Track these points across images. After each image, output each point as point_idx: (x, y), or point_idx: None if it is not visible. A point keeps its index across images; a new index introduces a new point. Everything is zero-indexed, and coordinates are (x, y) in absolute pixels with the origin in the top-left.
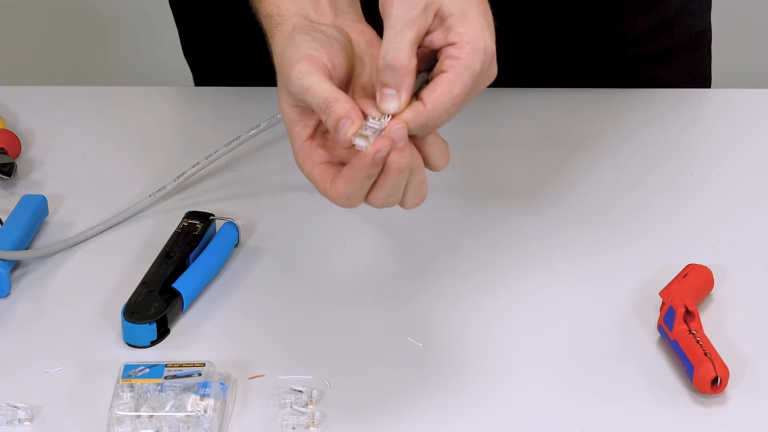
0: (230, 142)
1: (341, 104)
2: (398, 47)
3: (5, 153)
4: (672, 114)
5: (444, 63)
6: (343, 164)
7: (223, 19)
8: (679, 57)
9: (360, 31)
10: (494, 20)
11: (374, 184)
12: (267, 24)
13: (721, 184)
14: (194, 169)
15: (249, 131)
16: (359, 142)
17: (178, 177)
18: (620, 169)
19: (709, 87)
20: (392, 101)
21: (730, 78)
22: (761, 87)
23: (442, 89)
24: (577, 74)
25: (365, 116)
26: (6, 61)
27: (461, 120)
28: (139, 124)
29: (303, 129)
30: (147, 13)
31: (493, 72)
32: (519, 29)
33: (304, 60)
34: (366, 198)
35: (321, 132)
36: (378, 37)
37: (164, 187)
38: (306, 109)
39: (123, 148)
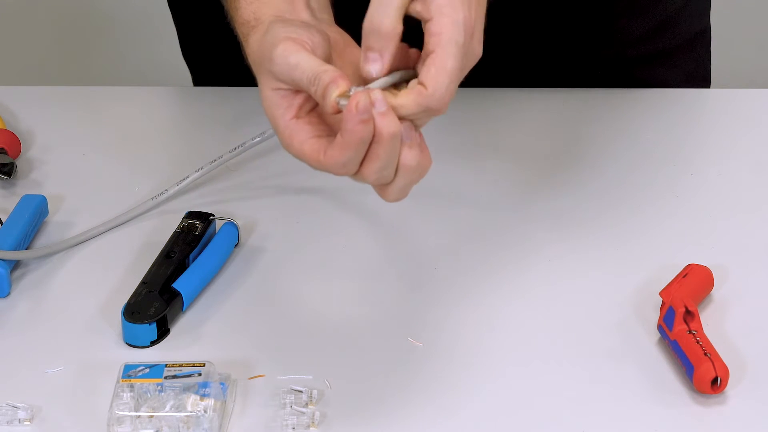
0: (235, 149)
1: (329, 73)
2: (384, 12)
3: (5, 153)
4: (672, 114)
5: (429, 42)
6: (332, 137)
7: (221, 20)
8: (678, 57)
9: (337, 32)
10: (493, 19)
11: (368, 155)
12: (243, 30)
13: (721, 184)
14: (198, 173)
15: (254, 138)
16: (343, 102)
17: (181, 181)
18: (620, 169)
19: (709, 87)
20: (375, 63)
21: (729, 78)
22: (761, 87)
23: (437, 68)
24: (577, 74)
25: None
26: (6, 61)
27: (461, 119)
28: (139, 124)
29: (286, 110)
30: (147, 13)
31: (476, 48)
32: (519, 29)
33: (286, 40)
34: (361, 172)
35: (305, 111)
36: (354, 41)
37: (167, 191)
38: (288, 92)
39: (123, 148)
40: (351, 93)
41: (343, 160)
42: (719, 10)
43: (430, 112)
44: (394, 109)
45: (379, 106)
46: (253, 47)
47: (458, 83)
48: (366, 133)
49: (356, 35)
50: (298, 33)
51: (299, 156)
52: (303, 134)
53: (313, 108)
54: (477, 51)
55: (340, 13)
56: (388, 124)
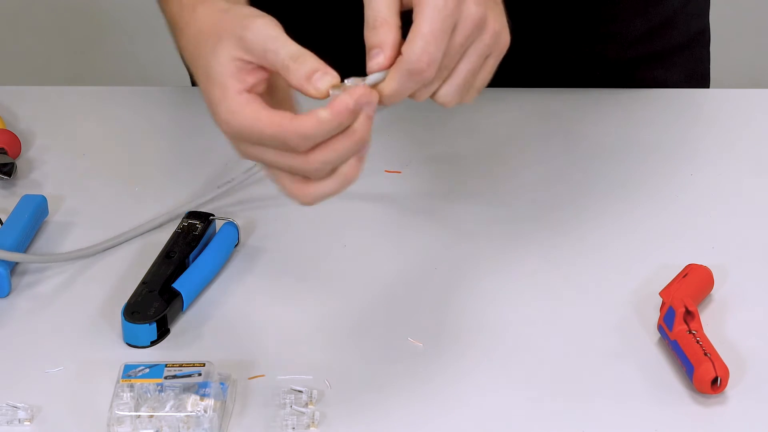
0: (249, 169)
1: (315, 59)
2: (377, 7)
3: (5, 153)
4: (672, 114)
5: (414, 15)
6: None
7: None
8: (677, 57)
9: None
10: None
11: (327, 143)
12: (181, 11)
13: (721, 184)
14: (245, 174)
15: None
16: (334, 92)
17: (219, 186)
18: (620, 169)
19: (708, 87)
20: (378, 57)
21: (729, 78)
22: (761, 87)
23: (413, 33)
24: (577, 74)
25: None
26: (6, 61)
27: (461, 119)
28: (139, 124)
29: (239, 83)
30: (147, 13)
31: (471, 8)
32: (518, 30)
33: (267, 17)
34: (308, 156)
35: (255, 91)
36: None
37: (188, 202)
38: (246, 66)
39: (123, 148)
40: (347, 84)
41: (311, 133)
42: (719, 10)
43: (413, 76)
44: (381, 90)
45: (368, 109)
46: (206, 16)
47: (442, 44)
48: (347, 121)
49: (349, 38)
50: (274, 20)
51: (251, 123)
52: (257, 104)
53: (264, 91)
54: (473, 11)
55: (335, 18)
56: (364, 128)
